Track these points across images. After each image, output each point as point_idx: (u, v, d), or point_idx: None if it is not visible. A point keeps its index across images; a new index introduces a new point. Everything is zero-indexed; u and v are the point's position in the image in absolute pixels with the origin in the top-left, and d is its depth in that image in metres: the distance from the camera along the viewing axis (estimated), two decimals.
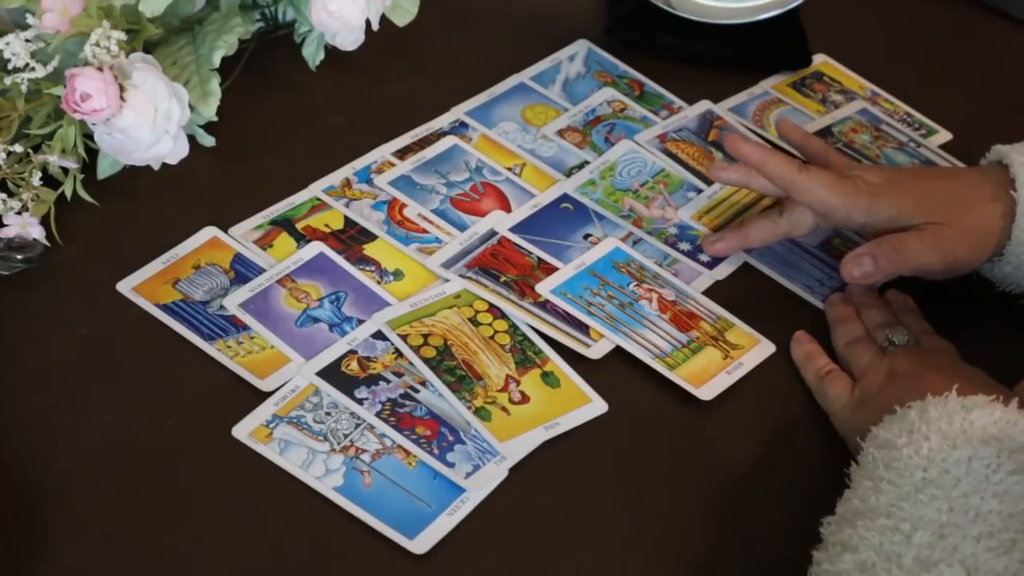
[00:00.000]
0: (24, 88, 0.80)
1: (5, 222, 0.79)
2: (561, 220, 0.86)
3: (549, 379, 0.76)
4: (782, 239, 0.84)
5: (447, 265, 0.82)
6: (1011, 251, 0.79)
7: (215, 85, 0.87)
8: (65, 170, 0.82)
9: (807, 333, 0.80)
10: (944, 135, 0.97)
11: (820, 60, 1.03)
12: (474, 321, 0.79)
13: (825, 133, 0.96)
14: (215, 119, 0.88)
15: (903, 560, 0.59)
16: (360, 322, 0.78)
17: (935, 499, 0.62)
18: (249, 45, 0.94)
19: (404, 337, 0.77)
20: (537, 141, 0.92)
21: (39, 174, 0.80)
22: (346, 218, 0.84)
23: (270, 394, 0.74)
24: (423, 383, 0.75)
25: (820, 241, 0.87)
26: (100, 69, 0.79)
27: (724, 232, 0.85)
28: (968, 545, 0.59)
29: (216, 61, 0.87)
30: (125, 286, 0.79)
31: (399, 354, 0.76)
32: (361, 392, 0.74)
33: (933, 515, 0.61)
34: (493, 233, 0.84)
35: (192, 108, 0.85)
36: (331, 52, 0.95)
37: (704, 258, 0.85)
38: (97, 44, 0.79)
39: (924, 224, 0.78)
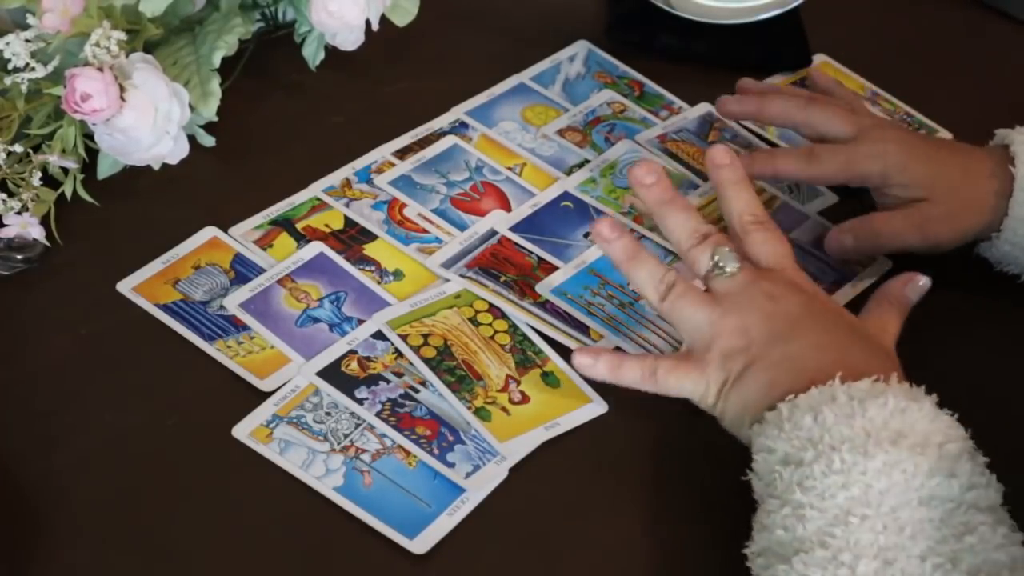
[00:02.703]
0: (24, 88, 0.80)
1: (5, 222, 0.79)
2: (561, 219, 0.86)
3: (549, 379, 0.76)
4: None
5: (447, 265, 0.82)
6: (1008, 227, 0.79)
7: (215, 85, 0.87)
8: (65, 170, 0.82)
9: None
10: (944, 135, 0.97)
11: (820, 60, 1.03)
12: (474, 321, 0.79)
13: None
14: (215, 119, 0.88)
15: None
16: (360, 322, 0.78)
17: (866, 519, 0.59)
18: (249, 45, 0.94)
19: (404, 337, 0.77)
20: (537, 140, 0.92)
21: (39, 174, 0.80)
22: (346, 218, 0.84)
23: (270, 394, 0.74)
24: (423, 383, 0.75)
25: (813, 238, 0.87)
26: (100, 69, 0.79)
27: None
28: (915, 566, 0.57)
29: (216, 61, 0.87)
30: (125, 286, 0.79)
31: (399, 354, 0.77)
32: (361, 392, 0.74)
33: (870, 537, 0.58)
34: (493, 233, 0.84)
35: (192, 108, 0.85)
36: (331, 52, 0.95)
37: None
38: (97, 44, 0.79)
39: (918, 200, 0.80)
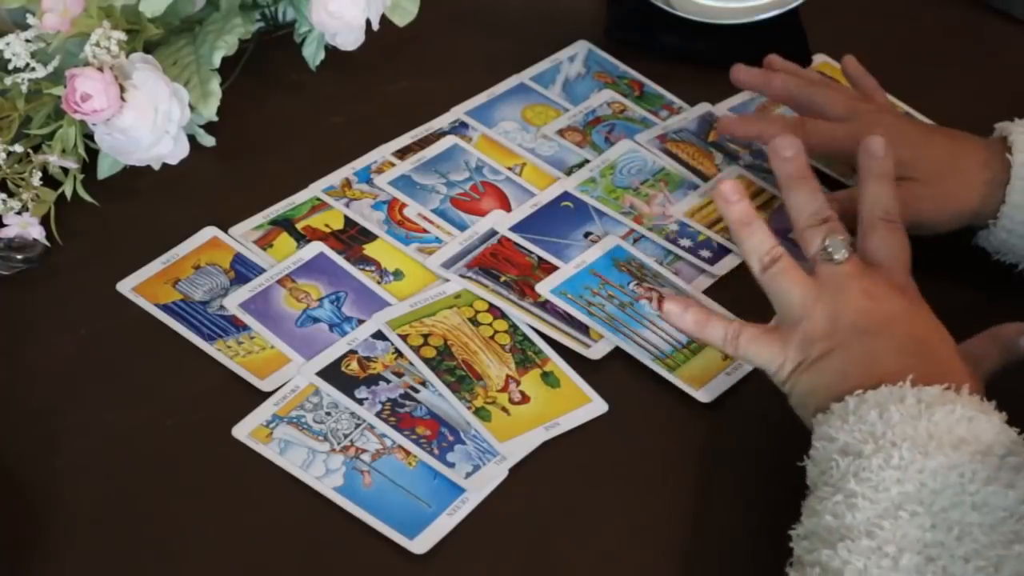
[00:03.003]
0: (24, 88, 0.80)
1: (5, 222, 0.79)
2: (561, 218, 0.86)
3: (549, 379, 0.76)
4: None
5: (447, 265, 0.82)
6: (1005, 214, 0.80)
7: (215, 85, 0.87)
8: (65, 170, 0.82)
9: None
10: None
11: (820, 60, 1.03)
12: (474, 321, 0.79)
13: None
14: (215, 119, 0.88)
15: None
16: (360, 322, 0.78)
17: (916, 515, 0.59)
18: (249, 45, 0.94)
19: (404, 337, 0.77)
20: (537, 140, 0.92)
21: (39, 174, 0.80)
22: (346, 218, 0.84)
23: (270, 394, 0.74)
24: (423, 383, 0.75)
25: None
26: (100, 69, 0.79)
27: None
28: (958, 567, 0.58)
29: (216, 61, 0.88)
30: (125, 286, 0.79)
31: (399, 354, 0.77)
32: (361, 392, 0.74)
33: (917, 534, 0.59)
34: (493, 233, 0.84)
35: (192, 108, 0.85)
36: (331, 52, 0.95)
37: (705, 254, 0.85)
38: (97, 44, 0.79)
39: (905, 179, 0.80)
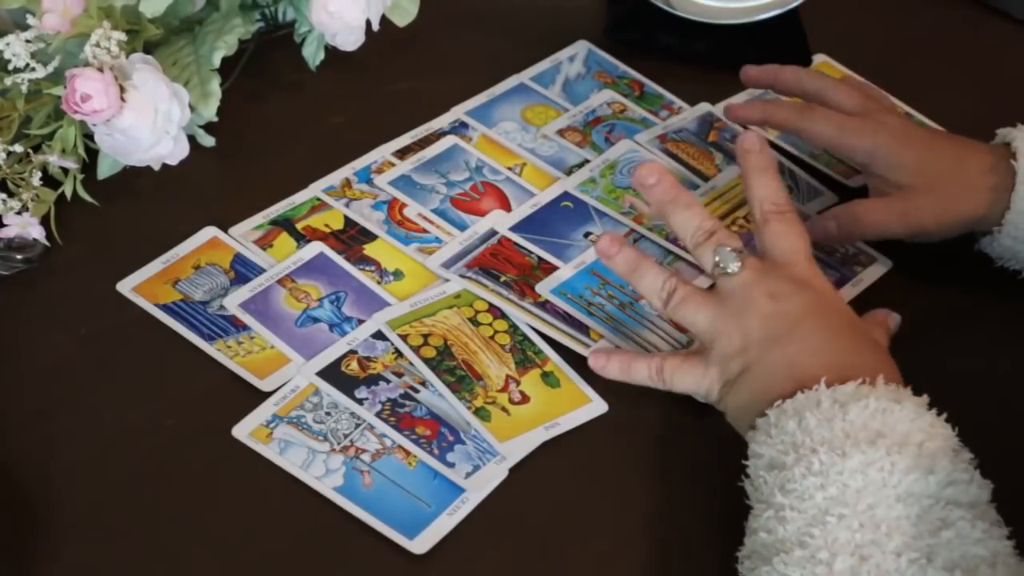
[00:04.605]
0: (24, 88, 0.80)
1: (5, 222, 0.79)
2: (561, 218, 0.86)
3: (549, 379, 0.76)
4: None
5: (447, 265, 0.82)
6: (1011, 220, 0.79)
7: (215, 85, 0.87)
8: (65, 170, 0.82)
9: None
10: None
11: (820, 60, 1.03)
12: (474, 321, 0.79)
13: None
14: (215, 119, 0.88)
15: None
16: (360, 322, 0.78)
17: (843, 518, 0.59)
18: (249, 45, 0.94)
19: (404, 337, 0.77)
20: (537, 140, 0.92)
21: (39, 174, 0.80)
22: (346, 218, 0.84)
23: (270, 394, 0.74)
24: (423, 383, 0.75)
25: (812, 238, 0.87)
26: (100, 70, 0.79)
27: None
28: (890, 561, 0.58)
29: (216, 61, 0.88)
30: (125, 286, 0.79)
31: (399, 354, 0.77)
32: (361, 392, 0.74)
33: (847, 536, 0.59)
34: (493, 233, 0.84)
35: (192, 108, 0.85)
36: (331, 52, 0.95)
37: None
38: (97, 45, 0.79)
39: (906, 187, 0.80)
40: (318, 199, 0.86)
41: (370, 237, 0.83)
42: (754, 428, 0.67)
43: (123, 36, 0.80)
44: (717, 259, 0.72)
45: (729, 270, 0.71)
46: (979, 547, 0.59)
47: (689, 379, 0.72)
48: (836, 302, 0.72)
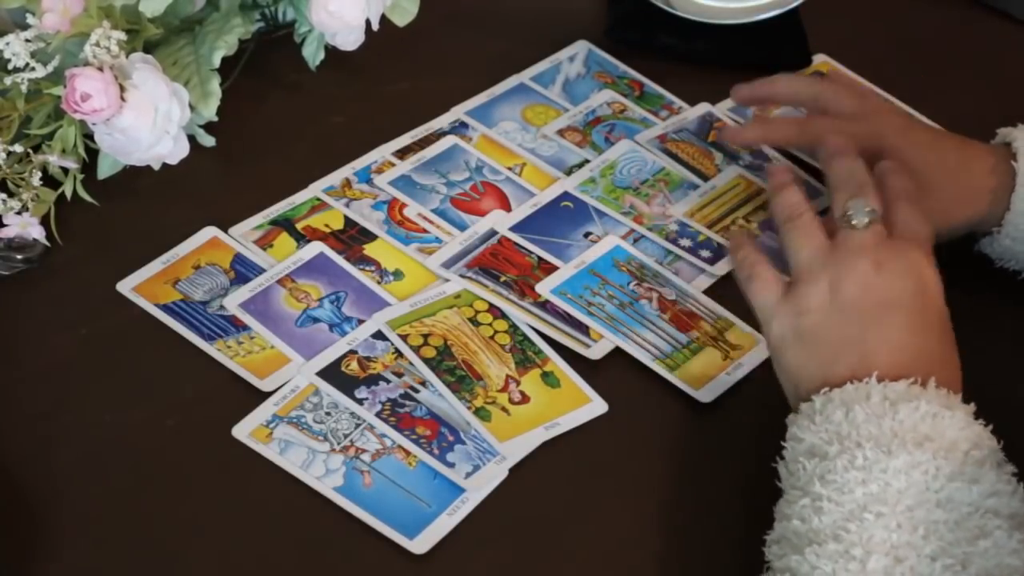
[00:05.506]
0: (24, 88, 0.80)
1: (5, 222, 0.79)
2: (561, 218, 0.86)
3: (549, 379, 0.76)
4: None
5: (447, 265, 0.82)
6: (1010, 221, 0.79)
7: (215, 85, 0.87)
8: (65, 170, 0.82)
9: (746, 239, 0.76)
10: None
11: (820, 60, 1.03)
12: (474, 321, 0.79)
13: None
14: (215, 119, 0.88)
15: None
16: (360, 322, 0.78)
17: (881, 516, 0.59)
18: (249, 45, 0.94)
19: (404, 337, 0.77)
20: (537, 140, 0.92)
21: (39, 174, 0.80)
22: (346, 218, 0.84)
23: (270, 394, 0.74)
24: (423, 383, 0.75)
25: None
26: (100, 69, 0.79)
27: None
28: (925, 566, 0.57)
29: (216, 61, 0.87)
30: (125, 286, 0.79)
31: (399, 354, 0.77)
32: (361, 392, 0.74)
33: (883, 535, 0.59)
34: (493, 233, 0.84)
35: (192, 108, 0.85)
36: (331, 52, 0.95)
37: (705, 254, 0.85)
38: (97, 44, 0.79)
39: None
40: (318, 199, 0.86)
41: (370, 237, 0.83)
42: (797, 412, 0.66)
43: (123, 36, 0.80)
44: (849, 208, 0.70)
45: (854, 222, 0.70)
46: (1014, 557, 0.58)
47: (761, 297, 0.71)
48: (935, 299, 0.69)
